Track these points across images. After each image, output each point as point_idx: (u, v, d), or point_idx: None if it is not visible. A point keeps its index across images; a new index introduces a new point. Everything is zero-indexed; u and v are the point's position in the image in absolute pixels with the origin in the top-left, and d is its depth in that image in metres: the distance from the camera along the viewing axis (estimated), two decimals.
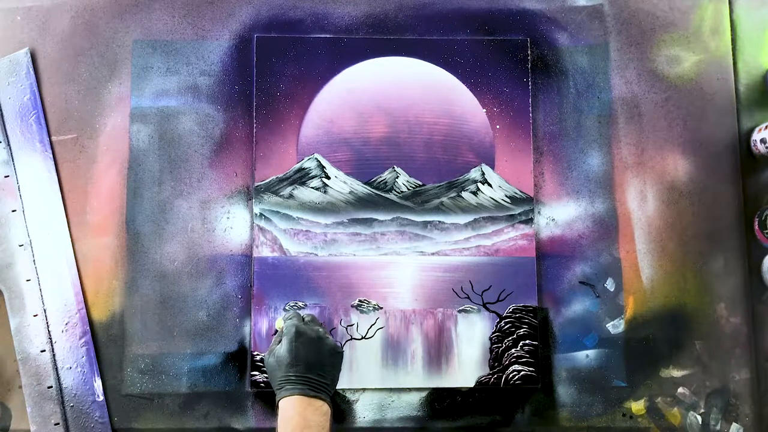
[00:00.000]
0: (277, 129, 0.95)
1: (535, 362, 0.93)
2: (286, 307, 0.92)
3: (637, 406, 0.93)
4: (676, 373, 0.94)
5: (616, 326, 0.94)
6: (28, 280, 0.91)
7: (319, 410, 0.72)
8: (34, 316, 0.90)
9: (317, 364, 0.76)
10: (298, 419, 0.71)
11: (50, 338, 0.90)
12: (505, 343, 0.93)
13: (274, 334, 0.89)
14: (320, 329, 0.80)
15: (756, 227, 0.95)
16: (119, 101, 0.95)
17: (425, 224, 0.95)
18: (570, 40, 0.99)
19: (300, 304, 0.93)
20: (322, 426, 0.71)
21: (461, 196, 0.96)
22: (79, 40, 0.96)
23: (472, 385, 0.93)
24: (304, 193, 0.95)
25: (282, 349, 0.76)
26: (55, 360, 0.90)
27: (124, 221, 0.93)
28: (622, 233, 0.96)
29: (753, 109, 0.99)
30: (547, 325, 0.94)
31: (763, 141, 0.94)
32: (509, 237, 0.95)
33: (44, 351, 0.90)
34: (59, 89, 0.95)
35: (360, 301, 0.93)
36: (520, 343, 0.93)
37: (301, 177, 0.95)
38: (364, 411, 0.92)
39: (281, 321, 0.83)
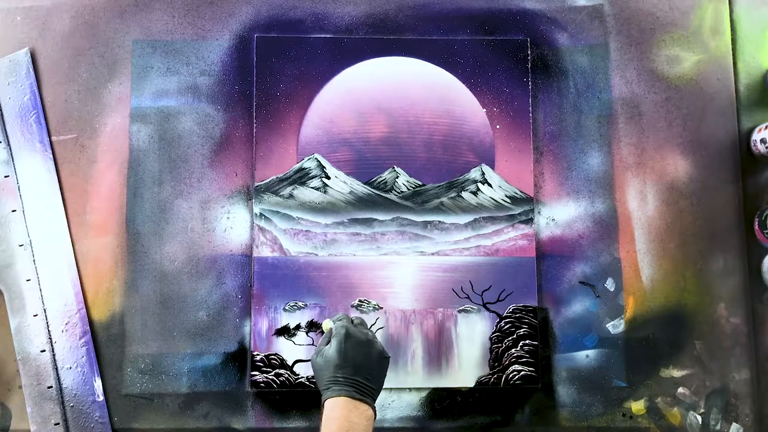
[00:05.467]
0: (277, 129, 0.95)
1: (535, 362, 0.93)
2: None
3: (637, 406, 0.93)
4: (676, 373, 0.94)
5: (616, 326, 0.94)
6: (28, 280, 0.91)
7: (364, 414, 0.72)
8: (34, 316, 0.90)
9: (365, 367, 0.76)
10: (343, 421, 0.71)
11: (50, 338, 0.90)
12: (505, 343, 0.93)
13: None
14: (369, 333, 0.80)
15: (756, 227, 0.95)
16: (119, 101, 0.95)
17: (425, 224, 0.95)
18: (570, 40, 0.99)
19: (300, 304, 0.93)
20: (365, 430, 0.71)
21: (461, 196, 0.96)
22: (79, 40, 0.96)
23: (472, 385, 0.93)
24: (304, 193, 0.95)
25: (331, 349, 0.76)
26: (55, 360, 0.90)
27: (124, 221, 0.93)
28: (622, 233, 0.96)
29: (753, 109, 0.99)
30: (547, 325, 0.94)
31: (763, 141, 0.94)
32: (509, 237, 0.95)
33: (44, 351, 0.90)
34: (59, 89, 0.95)
35: (360, 301, 0.93)
36: (520, 343, 0.93)
37: (301, 177, 0.95)
38: None
39: (329, 322, 0.83)
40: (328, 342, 0.78)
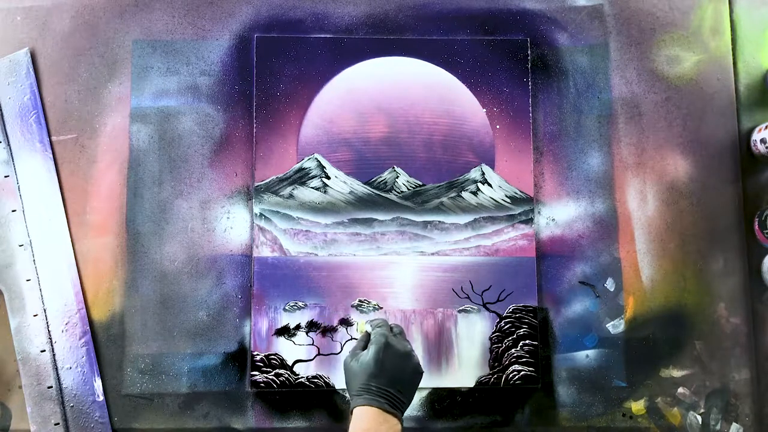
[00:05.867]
0: (277, 129, 0.95)
1: (535, 362, 0.93)
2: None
3: (637, 406, 0.93)
4: (676, 373, 0.94)
5: (616, 326, 0.94)
6: (28, 280, 0.91)
7: (393, 428, 0.72)
8: (34, 316, 0.90)
9: (399, 380, 0.75)
10: None
11: (50, 338, 0.90)
12: (505, 343, 0.93)
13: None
14: (408, 345, 0.80)
15: (756, 227, 0.95)
16: (119, 101, 0.95)
17: (425, 224, 0.95)
18: (570, 40, 0.99)
19: (300, 303, 0.93)
20: None
21: (461, 196, 0.96)
22: (79, 40, 0.96)
23: (472, 385, 0.93)
24: (304, 193, 0.95)
25: (368, 356, 0.76)
26: (55, 360, 0.90)
27: (124, 221, 0.93)
28: (622, 233, 0.96)
29: (753, 109, 0.99)
30: (547, 325, 0.94)
31: (763, 141, 0.94)
32: (509, 237, 0.95)
33: (44, 351, 0.90)
34: (59, 89, 0.95)
35: (360, 301, 0.93)
36: (520, 343, 0.93)
37: (301, 177, 0.95)
38: None
39: (366, 325, 0.83)
40: (364, 347, 0.78)
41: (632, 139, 0.97)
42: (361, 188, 0.96)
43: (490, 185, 0.96)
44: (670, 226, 0.96)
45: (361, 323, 0.86)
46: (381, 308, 0.93)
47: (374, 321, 0.83)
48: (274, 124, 0.95)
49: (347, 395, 0.75)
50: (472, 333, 0.94)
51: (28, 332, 0.90)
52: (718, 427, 0.93)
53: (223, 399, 0.91)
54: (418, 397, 0.92)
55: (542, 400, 0.93)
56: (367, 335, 0.81)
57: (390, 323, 0.83)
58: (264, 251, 0.93)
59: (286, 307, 0.93)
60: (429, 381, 0.92)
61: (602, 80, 0.98)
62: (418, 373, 0.78)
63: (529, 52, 0.98)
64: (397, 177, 0.96)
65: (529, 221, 0.95)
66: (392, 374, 0.75)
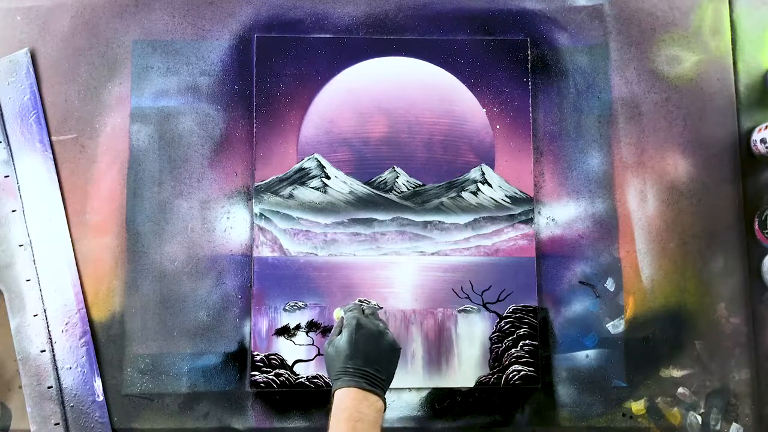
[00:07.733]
0: (277, 129, 0.95)
1: (535, 362, 0.93)
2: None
3: (637, 406, 0.93)
4: (676, 373, 0.94)
5: (616, 326, 0.94)
6: (28, 280, 0.91)
7: (374, 405, 0.72)
8: (34, 316, 0.90)
9: (375, 358, 0.76)
10: (352, 411, 0.71)
11: (50, 338, 0.90)
12: (505, 343, 0.93)
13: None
14: (381, 324, 0.80)
15: (756, 227, 0.95)
16: (119, 101, 0.95)
17: (425, 224, 0.95)
18: (570, 40, 0.99)
19: (300, 304, 0.93)
20: (374, 421, 0.71)
21: (461, 196, 0.96)
22: (79, 40, 0.96)
23: (472, 385, 0.93)
24: (304, 193, 0.95)
25: (342, 340, 0.77)
26: (55, 360, 0.90)
27: (124, 221, 0.93)
28: (622, 233, 0.96)
29: (753, 109, 0.99)
30: (547, 325, 0.94)
31: (763, 141, 0.94)
32: (509, 237, 0.95)
33: (44, 351, 0.90)
34: (59, 89, 0.95)
35: (360, 301, 0.93)
36: (520, 343, 0.93)
37: (301, 177, 0.95)
38: None
39: (340, 311, 0.83)
40: (340, 332, 0.78)
41: (632, 139, 0.97)
42: (361, 188, 0.96)
43: (490, 185, 0.96)
44: (670, 226, 0.96)
45: (337, 311, 0.86)
46: (381, 308, 0.93)
47: (347, 306, 0.84)
48: (274, 124, 0.95)
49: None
50: (472, 333, 0.94)
51: (28, 332, 0.90)
52: (718, 427, 0.93)
53: (223, 399, 0.91)
54: (418, 397, 0.92)
55: (542, 400, 0.93)
56: (342, 321, 0.81)
57: (363, 305, 0.83)
58: (264, 251, 0.93)
59: (286, 307, 0.93)
60: (429, 381, 0.92)
61: (602, 80, 0.98)
62: (395, 350, 0.78)
63: (529, 52, 0.98)
64: (397, 177, 0.96)
65: (529, 221, 0.95)
66: (367, 354, 0.75)
